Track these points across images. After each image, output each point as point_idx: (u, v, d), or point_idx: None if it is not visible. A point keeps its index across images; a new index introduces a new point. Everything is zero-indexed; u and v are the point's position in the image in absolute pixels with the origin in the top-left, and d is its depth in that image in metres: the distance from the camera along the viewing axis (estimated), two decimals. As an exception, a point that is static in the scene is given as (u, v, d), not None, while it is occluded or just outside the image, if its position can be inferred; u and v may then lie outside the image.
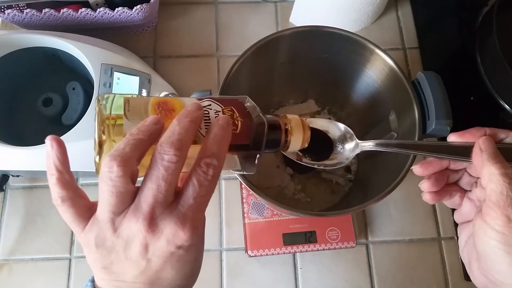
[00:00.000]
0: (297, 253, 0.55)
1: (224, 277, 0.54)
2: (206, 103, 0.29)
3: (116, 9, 0.55)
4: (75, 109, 0.52)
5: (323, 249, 0.52)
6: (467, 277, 0.54)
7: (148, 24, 0.64)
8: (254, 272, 0.54)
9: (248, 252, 0.52)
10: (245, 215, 0.54)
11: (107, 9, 0.55)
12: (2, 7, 0.56)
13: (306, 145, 0.33)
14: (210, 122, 0.27)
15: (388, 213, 0.58)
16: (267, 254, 0.52)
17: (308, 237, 0.53)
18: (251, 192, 0.42)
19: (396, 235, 0.57)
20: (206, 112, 0.28)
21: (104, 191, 0.23)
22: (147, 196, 0.23)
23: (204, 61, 0.65)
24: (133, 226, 0.23)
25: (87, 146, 0.47)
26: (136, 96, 0.27)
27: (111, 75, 0.51)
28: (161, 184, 0.23)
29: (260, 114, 0.30)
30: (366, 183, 0.54)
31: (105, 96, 0.26)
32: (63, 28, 0.57)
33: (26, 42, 0.52)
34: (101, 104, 0.26)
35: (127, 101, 0.26)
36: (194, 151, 0.25)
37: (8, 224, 0.56)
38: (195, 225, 0.24)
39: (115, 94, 0.26)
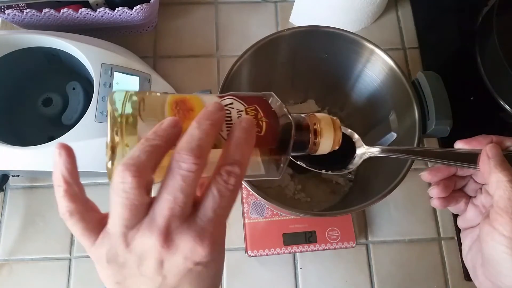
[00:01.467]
0: (297, 253, 0.55)
1: (224, 277, 0.54)
2: (227, 101, 0.26)
3: (116, 9, 0.55)
4: (75, 109, 0.52)
5: (323, 249, 0.52)
6: (467, 277, 0.54)
7: (148, 24, 0.64)
8: (254, 272, 0.54)
9: (248, 252, 0.52)
10: (245, 215, 0.54)
11: (107, 9, 0.55)
12: (2, 7, 0.56)
13: (337, 147, 0.30)
14: (232, 123, 0.25)
15: (388, 213, 0.58)
16: (267, 254, 0.52)
17: (308, 237, 0.53)
18: (251, 192, 0.42)
19: (396, 235, 0.57)
20: (228, 111, 0.25)
21: (116, 204, 0.21)
22: (163, 209, 0.22)
23: (204, 61, 0.65)
24: (147, 241, 0.22)
25: (87, 146, 0.47)
26: (152, 93, 0.24)
27: (111, 75, 0.51)
28: (178, 196, 0.21)
29: (287, 114, 0.28)
30: (366, 183, 0.54)
31: (117, 94, 0.23)
32: (63, 28, 0.57)
33: (26, 42, 0.52)
34: (113, 104, 0.23)
35: (142, 99, 0.23)
36: (214, 155, 0.23)
37: (8, 224, 0.56)
38: (215, 240, 0.23)
39: (127, 91, 0.23)
